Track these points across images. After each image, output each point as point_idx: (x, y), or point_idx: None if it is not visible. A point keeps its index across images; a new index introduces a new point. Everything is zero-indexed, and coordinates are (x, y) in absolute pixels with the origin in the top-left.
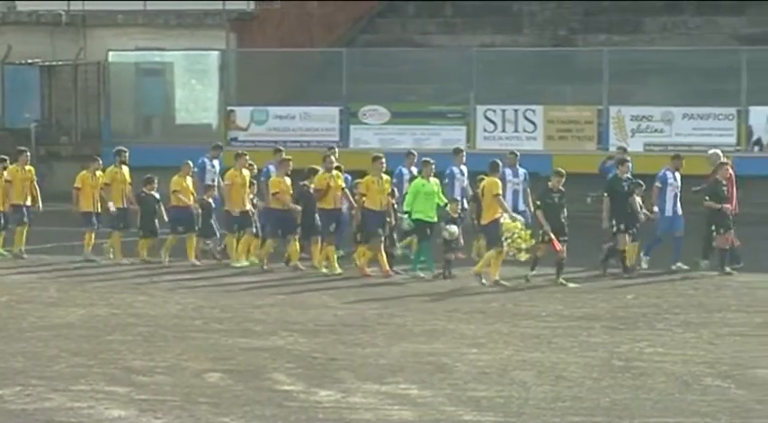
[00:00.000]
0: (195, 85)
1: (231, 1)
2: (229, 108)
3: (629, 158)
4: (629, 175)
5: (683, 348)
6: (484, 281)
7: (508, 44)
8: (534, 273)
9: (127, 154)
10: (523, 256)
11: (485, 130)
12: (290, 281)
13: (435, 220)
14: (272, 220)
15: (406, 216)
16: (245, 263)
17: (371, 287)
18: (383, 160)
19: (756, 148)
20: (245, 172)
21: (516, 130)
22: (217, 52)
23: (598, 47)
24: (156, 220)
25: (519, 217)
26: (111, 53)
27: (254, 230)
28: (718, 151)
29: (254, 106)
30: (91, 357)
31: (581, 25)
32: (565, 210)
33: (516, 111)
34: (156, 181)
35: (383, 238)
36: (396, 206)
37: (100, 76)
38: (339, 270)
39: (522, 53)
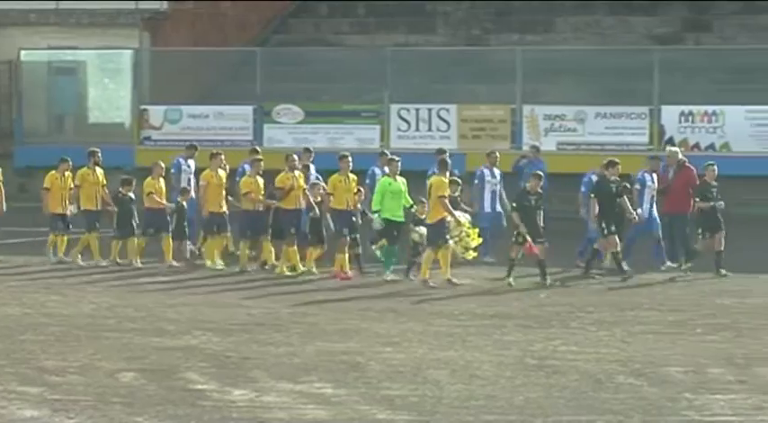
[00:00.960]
0: (108, 84)
1: (144, 0)
2: (142, 107)
3: (618, 161)
4: (616, 177)
5: (597, 346)
6: (432, 283)
7: (422, 44)
8: (511, 279)
9: (100, 155)
10: (470, 255)
11: (398, 130)
12: (204, 280)
13: (403, 219)
14: (244, 222)
15: (376, 215)
16: (220, 265)
17: (285, 286)
18: (350, 159)
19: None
20: (221, 172)
21: (430, 129)
22: (130, 51)
23: (511, 46)
24: (134, 222)
25: (466, 216)
26: (23, 52)
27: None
28: (678, 149)
29: (168, 105)
30: (3, 357)
31: (494, 25)
32: (541, 212)
33: (430, 110)
34: (134, 182)
35: (349, 239)
36: (360, 206)
37: (12, 75)
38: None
39: (435, 53)
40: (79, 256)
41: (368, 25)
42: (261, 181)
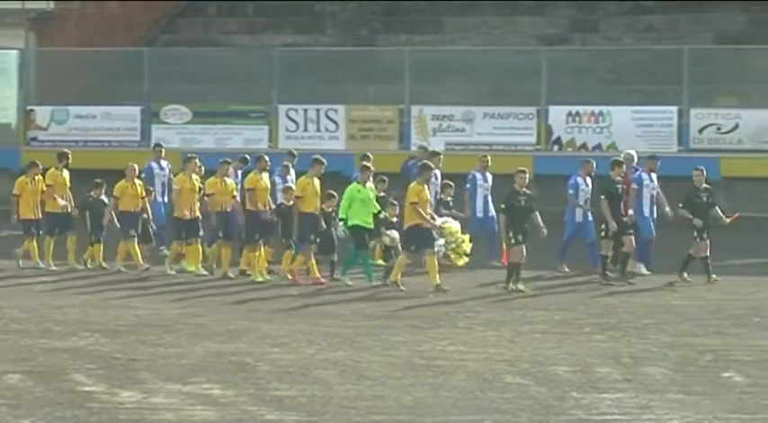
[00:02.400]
0: None
1: (30, 0)
2: (29, 107)
3: (623, 160)
4: (620, 178)
5: (484, 346)
6: (402, 288)
7: (310, 44)
8: (521, 284)
9: (70, 157)
10: (463, 261)
11: (287, 130)
12: (91, 281)
13: (372, 226)
14: (217, 224)
15: (341, 223)
16: (194, 269)
17: (174, 287)
18: (323, 163)
19: (556, 148)
20: (195, 176)
21: (318, 130)
22: (16, 51)
23: (399, 47)
24: (103, 226)
25: (456, 223)
26: None
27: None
28: (631, 152)
29: (55, 106)
30: None
31: (382, 25)
32: (537, 214)
33: (318, 110)
34: (104, 185)
35: (316, 244)
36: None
37: None
38: (262, 277)
39: (323, 53)
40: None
41: (256, 25)
42: (230, 182)
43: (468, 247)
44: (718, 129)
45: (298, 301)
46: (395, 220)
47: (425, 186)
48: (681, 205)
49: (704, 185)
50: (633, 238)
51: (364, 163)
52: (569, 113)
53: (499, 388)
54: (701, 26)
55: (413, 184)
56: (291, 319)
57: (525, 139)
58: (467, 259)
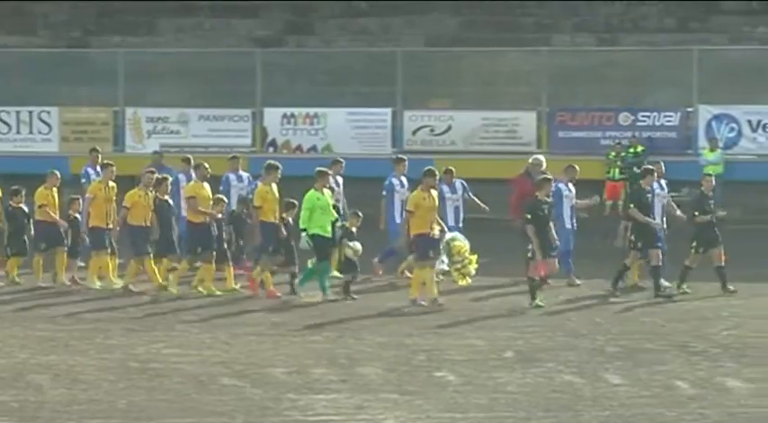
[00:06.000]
0: None
1: None
2: None
3: (653, 168)
4: (650, 187)
5: (200, 349)
6: (423, 302)
7: (22, 45)
8: (538, 300)
9: None
10: (466, 282)
11: None
12: None
13: (331, 235)
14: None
15: (303, 234)
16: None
17: None
18: (279, 170)
19: (271, 149)
20: (112, 184)
21: (31, 132)
22: None
23: (113, 49)
24: (26, 237)
25: (461, 238)
26: None
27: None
28: (541, 157)
29: None
30: None
31: (96, 27)
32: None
33: (31, 112)
34: (23, 193)
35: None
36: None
37: None
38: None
39: (35, 54)
40: None
41: None
42: (151, 194)
43: (474, 267)
44: (432, 130)
45: (10, 305)
46: (354, 230)
47: (429, 193)
48: (696, 213)
49: (710, 193)
50: (660, 251)
51: (320, 168)
52: (284, 115)
53: (215, 390)
54: (413, 29)
55: (414, 192)
56: (5, 324)
57: (241, 141)
58: (470, 281)
